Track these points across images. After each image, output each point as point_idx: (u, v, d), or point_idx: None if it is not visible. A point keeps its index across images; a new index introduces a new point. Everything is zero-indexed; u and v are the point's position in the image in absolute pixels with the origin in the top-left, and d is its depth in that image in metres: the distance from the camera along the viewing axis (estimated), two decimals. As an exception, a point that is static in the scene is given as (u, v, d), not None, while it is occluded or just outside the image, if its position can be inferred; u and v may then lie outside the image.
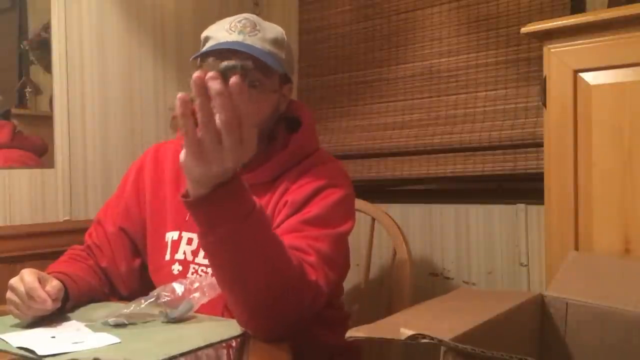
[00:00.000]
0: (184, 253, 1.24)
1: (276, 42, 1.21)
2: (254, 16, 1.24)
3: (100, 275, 1.29)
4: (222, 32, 1.19)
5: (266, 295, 0.95)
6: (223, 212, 0.88)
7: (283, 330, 0.99)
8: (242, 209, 0.89)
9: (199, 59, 1.21)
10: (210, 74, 0.78)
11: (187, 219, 1.23)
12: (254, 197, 0.92)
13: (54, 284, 1.08)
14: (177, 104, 0.79)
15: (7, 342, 0.95)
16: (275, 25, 1.25)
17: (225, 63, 0.81)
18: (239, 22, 1.20)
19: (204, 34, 1.23)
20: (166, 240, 1.27)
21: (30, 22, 1.67)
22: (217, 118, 0.79)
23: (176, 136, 1.29)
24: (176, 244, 1.25)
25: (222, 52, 1.15)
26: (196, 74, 0.78)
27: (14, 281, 1.06)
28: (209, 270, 1.18)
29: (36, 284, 1.04)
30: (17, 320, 1.07)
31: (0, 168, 1.60)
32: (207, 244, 0.93)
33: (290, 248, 1.01)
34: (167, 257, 1.25)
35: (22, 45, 1.66)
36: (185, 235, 1.24)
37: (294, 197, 1.16)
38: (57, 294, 1.07)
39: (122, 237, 1.31)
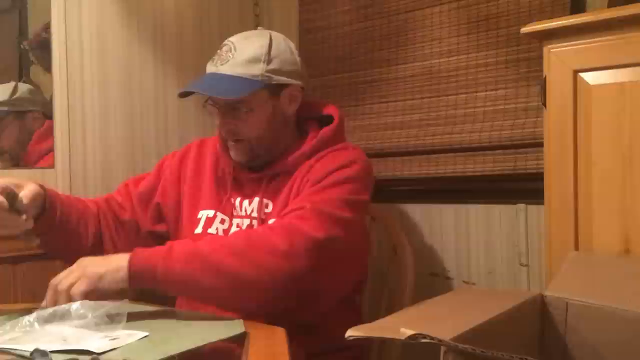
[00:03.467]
0: (217, 229, 1.32)
1: (253, 59, 1.26)
2: (240, 35, 1.32)
3: (96, 219, 1.35)
4: (211, 61, 1.31)
5: (235, 288, 1.09)
6: (148, 281, 1.09)
7: (283, 290, 1.10)
8: (158, 271, 1.08)
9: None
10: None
11: (223, 203, 1.34)
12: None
13: (30, 188, 1.13)
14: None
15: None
16: (262, 37, 1.31)
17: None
18: (222, 48, 1.30)
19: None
20: (199, 216, 1.35)
21: (30, 22, 1.67)
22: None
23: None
24: (210, 221, 1.33)
25: (189, 93, 1.32)
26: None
27: None
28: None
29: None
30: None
31: (0, 168, 1.60)
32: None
33: (287, 212, 1.15)
34: (199, 230, 1.33)
35: (22, 45, 1.66)
36: (220, 215, 1.33)
37: (315, 175, 1.24)
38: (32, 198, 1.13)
39: (148, 201, 1.41)
